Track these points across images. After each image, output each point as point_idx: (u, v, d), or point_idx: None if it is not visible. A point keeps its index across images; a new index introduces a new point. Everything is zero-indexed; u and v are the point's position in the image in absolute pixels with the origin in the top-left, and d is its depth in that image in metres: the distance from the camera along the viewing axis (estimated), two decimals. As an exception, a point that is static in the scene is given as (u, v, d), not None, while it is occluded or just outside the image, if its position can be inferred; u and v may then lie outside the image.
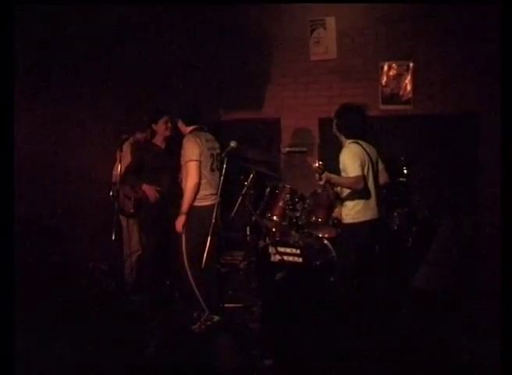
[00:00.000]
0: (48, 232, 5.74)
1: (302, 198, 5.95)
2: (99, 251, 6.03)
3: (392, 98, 6.78)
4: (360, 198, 4.95)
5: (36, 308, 4.84)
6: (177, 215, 5.34)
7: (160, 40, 7.17)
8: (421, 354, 4.44)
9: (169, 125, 5.78)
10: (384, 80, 6.79)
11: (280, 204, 5.98)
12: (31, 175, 5.69)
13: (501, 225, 3.13)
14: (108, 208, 5.62)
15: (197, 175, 5.20)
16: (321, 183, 4.77)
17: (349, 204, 5.00)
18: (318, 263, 5.55)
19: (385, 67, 6.76)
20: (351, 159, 4.86)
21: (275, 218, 5.99)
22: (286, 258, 5.59)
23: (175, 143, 5.94)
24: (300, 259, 5.58)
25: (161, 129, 5.80)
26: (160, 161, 5.80)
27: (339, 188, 5.14)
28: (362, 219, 4.97)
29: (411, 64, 6.61)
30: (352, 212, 4.98)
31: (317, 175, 4.58)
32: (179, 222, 5.26)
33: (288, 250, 5.64)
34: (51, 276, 5.47)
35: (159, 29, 7.13)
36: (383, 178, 5.25)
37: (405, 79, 6.68)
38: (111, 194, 5.68)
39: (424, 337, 4.65)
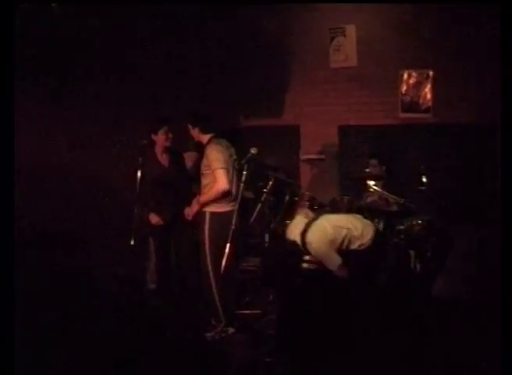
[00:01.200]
0: (65, 237, 5.80)
1: (321, 206, 5.95)
2: (118, 256, 6.09)
3: (412, 106, 6.77)
4: None
5: (52, 312, 4.89)
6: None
7: (178, 45, 7.23)
8: (442, 364, 4.42)
9: (170, 135, 5.60)
10: (404, 88, 6.78)
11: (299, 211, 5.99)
12: (49, 181, 5.78)
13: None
14: (128, 213, 5.66)
15: (227, 182, 5.12)
16: None
17: None
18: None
19: (405, 75, 6.76)
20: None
21: (293, 225, 5.99)
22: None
23: (179, 156, 5.97)
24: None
25: (161, 139, 5.60)
26: (162, 178, 5.71)
27: None
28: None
29: (431, 73, 6.60)
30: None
31: None
32: (193, 209, 5.32)
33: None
34: (68, 281, 5.52)
35: (177, 34, 7.18)
36: None
37: (425, 87, 6.67)
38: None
39: (443, 347, 4.63)
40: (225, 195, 5.20)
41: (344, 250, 5.14)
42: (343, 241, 5.10)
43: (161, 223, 5.69)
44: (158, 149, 5.71)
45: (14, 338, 2.89)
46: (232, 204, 5.26)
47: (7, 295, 2.92)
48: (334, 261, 4.96)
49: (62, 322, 4.89)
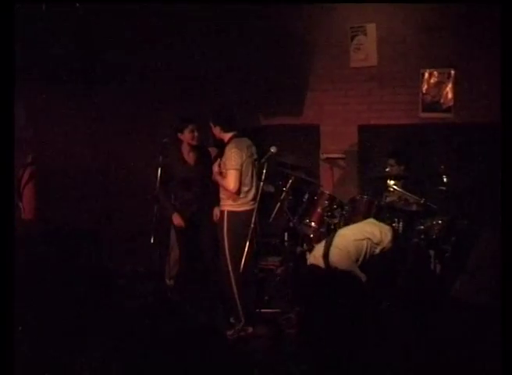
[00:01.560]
0: (87, 235, 5.84)
1: (340, 205, 5.94)
2: (137, 253, 6.13)
3: (433, 105, 6.72)
4: None
5: (73, 309, 4.93)
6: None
7: (198, 44, 7.25)
8: (463, 366, 4.39)
9: (195, 134, 5.66)
10: (424, 87, 6.74)
11: (318, 210, 5.97)
12: (70, 180, 5.82)
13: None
14: (148, 211, 5.69)
15: (234, 183, 5.14)
16: None
17: None
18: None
19: (426, 75, 6.72)
20: None
21: (313, 224, 5.98)
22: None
23: (205, 154, 5.98)
24: (338, 266, 5.57)
25: (187, 138, 5.67)
26: (187, 176, 5.77)
27: None
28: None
29: (453, 72, 6.55)
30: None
31: None
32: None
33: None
34: (87, 278, 5.56)
35: (196, 33, 7.20)
36: None
37: (446, 87, 6.62)
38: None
39: (463, 348, 4.60)
40: (235, 195, 5.22)
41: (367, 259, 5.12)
42: (365, 253, 5.07)
43: (183, 225, 5.72)
44: (185, 148, 5.77)
45: (26, 334, 2.92)
46: (251, 203, 5.28)
47: (24, 292, 2.96)
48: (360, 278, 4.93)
49: (77, 318, 4.92)
